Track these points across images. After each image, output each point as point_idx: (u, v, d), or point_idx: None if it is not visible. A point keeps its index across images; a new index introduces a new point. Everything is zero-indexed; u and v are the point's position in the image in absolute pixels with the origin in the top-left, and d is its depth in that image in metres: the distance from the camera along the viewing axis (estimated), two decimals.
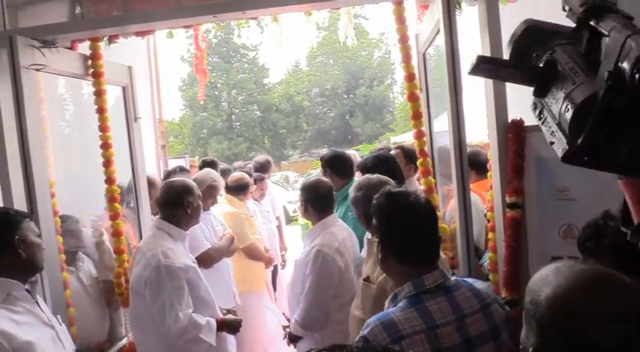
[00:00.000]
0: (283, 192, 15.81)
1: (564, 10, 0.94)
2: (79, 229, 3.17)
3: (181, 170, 5.02)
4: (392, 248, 1.68)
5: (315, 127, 36.17)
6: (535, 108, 0.93)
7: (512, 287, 2.07)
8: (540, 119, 0.91)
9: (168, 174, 4.84)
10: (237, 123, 34.96)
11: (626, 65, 0.71)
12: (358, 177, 3.41)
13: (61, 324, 2.23)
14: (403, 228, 1.67)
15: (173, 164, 6.68)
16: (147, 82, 6.18)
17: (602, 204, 1.98)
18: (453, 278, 1.72)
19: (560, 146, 0.80)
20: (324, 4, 2.51)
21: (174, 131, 33.27)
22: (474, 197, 2.55)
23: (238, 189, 4.53)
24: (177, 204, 2.85)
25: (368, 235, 2.49)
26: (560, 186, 2.03)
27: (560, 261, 1.04)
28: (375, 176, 2.49)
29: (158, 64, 6.28)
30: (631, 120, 0.72)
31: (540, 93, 0.91)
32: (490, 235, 2.36)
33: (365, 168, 3.20)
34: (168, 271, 2.64)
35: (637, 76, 0.68)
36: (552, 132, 0.85)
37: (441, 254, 2.40)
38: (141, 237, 3.34)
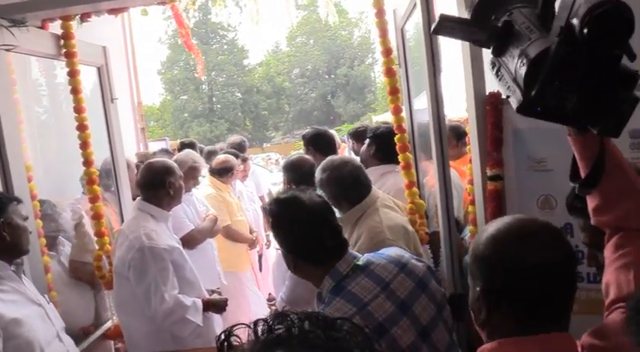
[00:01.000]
0: (267, 173, 15.77)
1: None
2: (58, 213, 3.13)
3: (163, 151, 4.98)
4: (303, 255, 1.68)
5: (297, 108, 36.04)
6: (493, 67, 0.98)
7: None
8: (497, 76, 0.95)
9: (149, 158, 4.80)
10: (218, 106, 34.69)
11: (575, 21, 0.74)
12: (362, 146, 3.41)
13: (48, 303, 2.24)
14: (307, 235, 1.66)
15: (153, 147, 6.64)
16: (123, 64, 6.08)
17: None
18: (364, 256, 1.72)
19: (515, 98, 0.84)
20: None
21: (155, 115, 32.92)
22: (451, 172, 2.57)
23: (222, 172, 4.49)
24: (158, 185, 2.83)
25: (339, 214, 2.52)
26: (536, 157, 2.05)
27: None
28: (338, 156, 2.51)
29: (134, 46, 6.17)
30: (578, 72, 0.76)
31: (498, 52, 0.95)
32: (470, 208, 2.39)
33: (375, 136, 3.21)
34: (152, 252, 2.63)
35: (585, 30, 0.72)
36: (509, 87, 0.89)
37: (409, 227, 2.44)
38: (122, 220, 3.31)
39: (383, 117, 12.37)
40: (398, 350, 1.53)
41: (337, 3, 32.67)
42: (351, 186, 2.38)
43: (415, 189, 2.83)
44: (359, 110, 32.44)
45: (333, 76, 35.75)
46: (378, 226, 2.28)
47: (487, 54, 2.22)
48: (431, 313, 1.63)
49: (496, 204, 2.06)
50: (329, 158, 2.48)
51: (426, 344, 1.59)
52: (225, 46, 35.68)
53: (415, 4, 2.30)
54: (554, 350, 0.99)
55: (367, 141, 3.32)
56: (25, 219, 2.15)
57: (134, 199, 3.52)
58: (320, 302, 1.66)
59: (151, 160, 3.05)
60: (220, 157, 4.67)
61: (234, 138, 6.31)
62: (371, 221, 2.31)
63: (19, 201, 2.15)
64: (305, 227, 1.66)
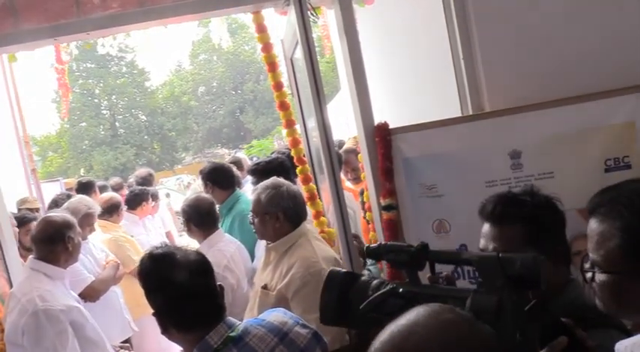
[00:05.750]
0: (180, 197, 15.32)
1: None
2: None
3: (68, 197, 4.68)
4: (168, 318, 1.55)
5: (206, 127, 35.39)
6: None
7: None
8: None
9: (55, 203, 4.48)
10: (122, 131, 33.22)
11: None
12: (251, 182, 3.32)
13: None
14: (173, 297, 1.53)
15: (46, 188, 6.20)
16: (5, 103, 5.65)
17: (466, 198, 2.10)
18: (241, 324, 1.61)
19: None
20: (180, 19, 2.38)
21: (53, 145, 30.94)
22: (346, 194, 2.59)
23: (110, 211, 4.28)
24: (56, 241, 2.67)
25: (265, 243, 2.46)
26: (427, 183, 2.13)
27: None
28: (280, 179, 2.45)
29: (15, 81, 5.76)
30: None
31: None
32: (371, 235, 2.43)
33: (256, 173, 3.13)
34: (47, 315, 2.45)
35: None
36: None
37: (340, 260, 2.43)
38: (9, 283, 3.04)
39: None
40: None
41: (236, 19, 32.57)
42: (295, 207, 2.32)
43: (323, 218, 2.83)
44: (269, 124, 32.35)
45: (239, 91, 35.46)
46: (312, 256, 2.23)
47: (373, 86, 2.27)
48: None
49: (392, 232, 2.11)
50: (272, 179, 2.40)
51: None
52: (125, 68, 34.32)
53: (297, 41, 2.30)
54: None
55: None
56: None
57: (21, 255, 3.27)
58: None
59: (49, 214, 2.88)
60: (104, 196, 4.54)
61: (141, 171, 6.12)
62: (304, 251, 2.26)
63: None
64: (173, 288, 1.51)
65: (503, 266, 0.98)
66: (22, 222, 3.58)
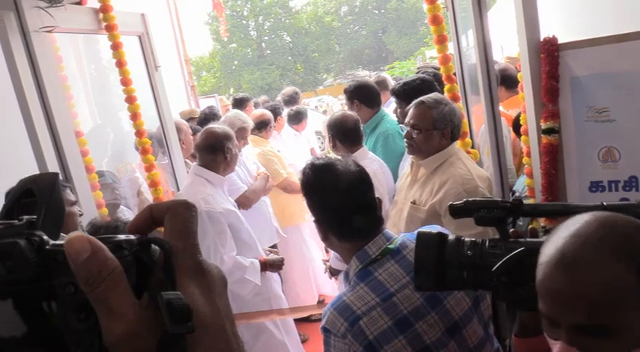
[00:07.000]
0: (322, 118, 15.65)
1: None
2: (117, 182, 3.25)
3: (210, 112, 5.02)
4: (329, 227, 1.55)
5: (348, 48, 35.14)
6: None
7: None
8: None
9: (205, 118, 4.87)
10: (268, 51, 34.34)
11: None
12: (394, 101, 3.24)
13: None
14: (335, 206, 1.52)
15: (204, 104, 6.71)
16: (168, 25, 6.08)
17: None
18: (400, 235, 1.57)
19: None
20: None
21: (206, 65, 33.09)
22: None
23: (261, 126, 4.44)
24: (217, 150, 2.89)
25: (410, 159, 2.43)
26: (597, 106, 1.90)
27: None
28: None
29: (177, 3, 6.13)
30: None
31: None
32: (525, 160, 2.28)
33: (399, 93, 3.01)
34: (210, 217, 2.71)
35: None
36: None
37: (491, 179, 2.34)
38: (176, 185, 3.40)
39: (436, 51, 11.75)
40: (420, 346, 1.42)
41: None
42: (459, 125, 2.30)
43: (468, 139, 2.71)
44: (412, 45, 31.12)
45: (382, 10, 34.35)
46: (466, 174, 2.19)
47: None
48: (465, 307, 1.47)
49: (551, 158, 1.95)
50: (435, 94, 2.35)
51: (455, 339, 1.46)
52: None
53: None
54: None
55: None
56: (73, 203, 2.20)
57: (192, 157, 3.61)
58: (346, 282, 1.55)
59: (212, 126, 3.11)
60: (256, 113, 4.66)
61: (287, 89, 6.30)
62: (457, 169, 2.22)
63: (65, 186, 2.19)
64: (335, 198, 1.53)
65: None
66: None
